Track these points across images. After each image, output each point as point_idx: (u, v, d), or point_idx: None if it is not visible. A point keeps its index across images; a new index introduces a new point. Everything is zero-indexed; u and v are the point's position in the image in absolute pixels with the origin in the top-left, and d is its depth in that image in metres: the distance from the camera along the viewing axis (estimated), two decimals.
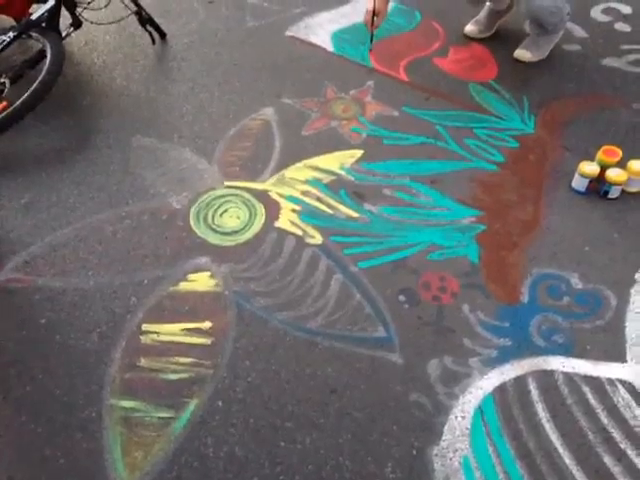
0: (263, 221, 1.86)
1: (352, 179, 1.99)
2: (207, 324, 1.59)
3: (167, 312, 1.63)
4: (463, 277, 1.69)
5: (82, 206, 1.93)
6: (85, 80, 2.45)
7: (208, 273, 1.72)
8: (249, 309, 1.62)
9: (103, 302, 1.66)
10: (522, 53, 2.51)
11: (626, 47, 2.57)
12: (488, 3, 2.59)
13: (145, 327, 1.59)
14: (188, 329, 1.58)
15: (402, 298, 1.64)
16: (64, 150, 2.15)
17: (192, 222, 1.86)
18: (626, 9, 2.83)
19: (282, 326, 1.58)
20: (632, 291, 1.63)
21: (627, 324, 1.56)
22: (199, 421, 1.40)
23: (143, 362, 1.52)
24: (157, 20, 2.67)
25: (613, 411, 1.38)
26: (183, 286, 1.69)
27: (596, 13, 2.79)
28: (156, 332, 1.57)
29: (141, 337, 1.57)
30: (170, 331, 1.58)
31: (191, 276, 1.71)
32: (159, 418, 1.41)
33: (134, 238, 1.82)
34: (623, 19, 2.76)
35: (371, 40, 2.50)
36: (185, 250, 1.78)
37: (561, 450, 1.32)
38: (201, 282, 1.69)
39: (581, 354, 1.50)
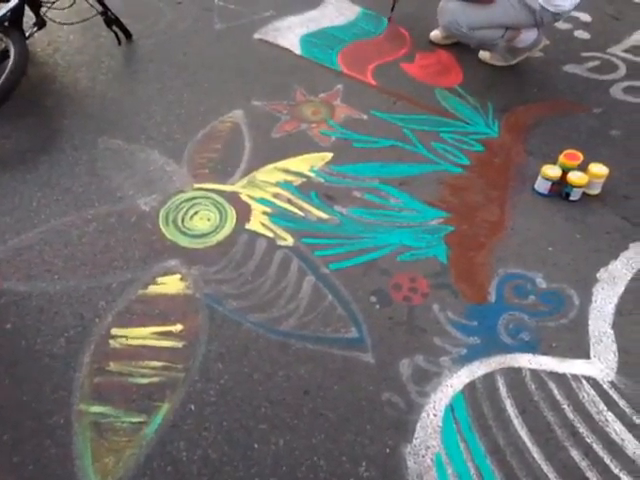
0: (234, 223, 1.85)
1: (322, 181, 2.01)
2: (178, 327, 1.57)
3: (137, 316, 1.60)
4: (433, 277, 1.72)
5: (47, 209, 1.89)
6: (49, 81, 2.40)
7: (178, 276, 1.70)
8: (221, 311, 1.61)
9: (70, 306, 1.62)
10: (484, 54, 2.59)
11: (586, 54, 2.67)
12: None
13: (114, 331, 1.56)
14: (159, 332, 1.56)
15: (374, 299, 1.66)
16: (28, 151, 2.10)
17: (161, 225, 1.84)
18: (585, 17, 2.93)
19: (255, 328, 1.58)
20: (594, 290, 1.69)
21: (590, 322, 1.61)
22: (171, 425, 1.38)
23: (112, 366, 1.50)
24: (123, 20, 2.63)
25: (579, 407, 1.42)
26: (153, 289, 1.66)
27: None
28: (125, 336, 1.55)
29: (110, 341, 1.54)
30: (140, 335, 1.56)
31: (161, 279, 1.69)
32: (130, 423, 1.39)
33: (101, 241, 1.79)
34: (583, 27, 2.86)
35: (392, 8, 2.58)
36: (154, 253, 1.76)
37: (530, 445, 1.35)
38: (171, 285, 1.68)
39: (547, 351, 1.54)
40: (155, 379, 1.47)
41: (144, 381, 1.47)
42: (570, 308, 1.65)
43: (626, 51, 2.69)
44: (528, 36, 2.45)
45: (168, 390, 1.45)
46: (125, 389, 1.45)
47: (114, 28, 2.50)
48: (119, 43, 2.54)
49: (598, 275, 1.73)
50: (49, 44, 2.59)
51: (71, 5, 2.35)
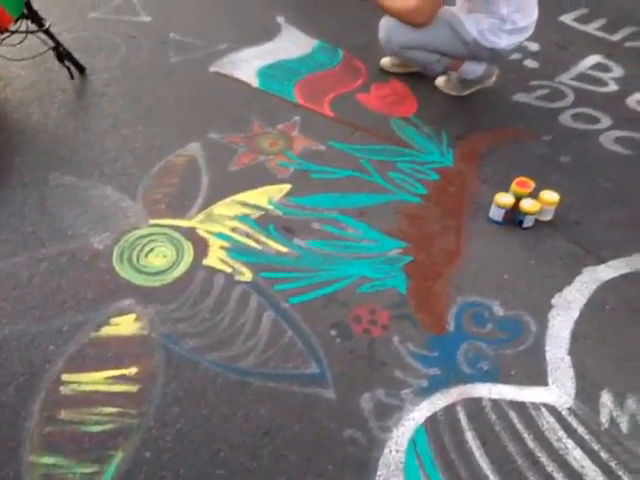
0: (191, 259, 1.82)
1: (280, 214, 2.00)
2: (133, 370, 1.53)
3: (89, 360, 1.55)
4: (392, 308, 1.72)
5: None
6: (0, 117, 2.35)
7: (133, 316, 1.65)
8: (178, 352, 1.57)
9: (19, 352, 1.56)
10: (439, 81, 2.66)
11: (535, 83, 2.75)
12: None
13: (65, 377, 1.50)
14: (112, 377, 1.51)
15: (334, 332, 1.65)
16: None
17: (115, 263, 1.80)
18: (534, 46, 3.03)
19: (213, 368, 1.54)
20: (549, 316, 1.72)
21: (547, 348, 1.63)
22: (125, 475, 1.33)
23: (64, 414, 1.44)
24: (76, 55, 2.60)
25: (539, 435, 1.43)
26: (106, 331, 1.62)
27: None
28: (77, 382, 1.49)
29: (61, 388, 1.48)
30: (92, 380, 1.50)
31: (114, 320, 1.64)
32: (83, 474, 1.33)
33: (52, 282, 1.73)
34: (532, 56, 2.96)
35: None
36: (108, 293, 1.71)
37: (492, 477, 1.35)
38: (125, 326, 1.63)
39: (506, 380, 1.55)
40: (108, 426, 1.41)
41: (97, 429, 1.41)
42: (527, 335, 1.66)
43: (574, 79, 2.79)
44: (474, 68, 2.51)
45: (122, 437, 1.39)
46: (77, 438, 1.40)
47: (66, 63, 2.46)
48: (72, 78, 2.50)
49: (553, 301, 1.76)
50: (0, 79, 2.53)
51: (21, 42, 2.30)
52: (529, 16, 2.37)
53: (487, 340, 1.65)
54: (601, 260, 1.88)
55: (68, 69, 2.48)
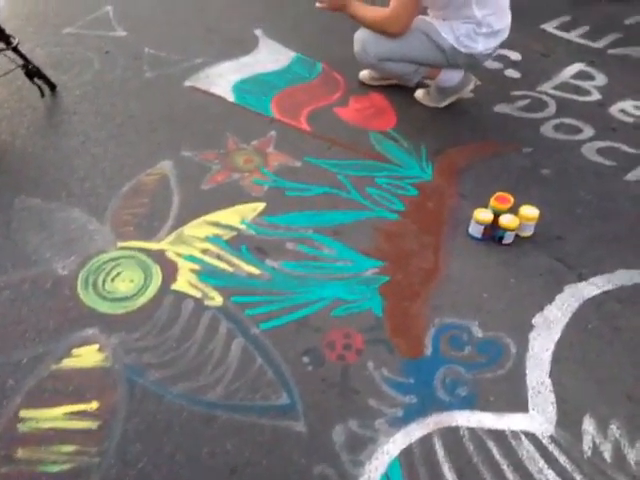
0: (159, 284, 1.76)
1: (253, 234, 1.94)
2: (94, 405, 1.45)
3: (48, 394, 1.48)
4: (367, 332, 1.66)
5: None
6: None
7: (96, 346, 1.58)
8: (142, 384, 1.50)
9: None
10: (418, 93, 2.62)
11: (516, 93, 2.71)
12: None
13: (23, 413, 1.43)
14: (72, 412, 1.44)
15: (306, 360, 1.58)
16: None
17: (80, 289, 1.73)
18: (515, 55, 3.00)
19: (178, 401, 1.47)
20: (530, 336, 1.66)
21: (527, 371, 1.57)
22: None
23: (21, 454, 1.37)
24: (48, 71, 2.54)
25: (518, 466, 1.36)
26: (67, 363, 1.54)
27: (487, 61, 2.92)
28: (35, 418, 1.42)
29: (19, 425, 1.41)
30: (51, 416, 1.43)
31: (76, 351, 1.57)
32: None
33: (12, 312, 1.66)
34: (513, 66, 2.92)
35: None
36: (70, 322, 1.64)
37: None
38: (88, 357, 1.56)
39: (485, 406, 1.48)
40: (67, 466, 1.34)
41: (55, 469, 1.34)
42: (507, 358, 1.61)
43: (556, 88, 2.76)
44: (450, 75, 2.47)
45: (82, 478, 1.32)
46: (34, 478, 1.32)
47: (36, 81, 2.40)
48: (42, 95, 2.44)
49: (534, 321, 1.70)
50: None
51: None
52: (503, 19, 2.34)
53: (465, 364, 1.58)
54: (583, 277, 1.83)
55: (38, 87, 2.42)
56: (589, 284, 1.81)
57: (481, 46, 2.33)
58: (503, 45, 2.99)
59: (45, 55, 2.73)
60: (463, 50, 2.32)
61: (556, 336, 1.66)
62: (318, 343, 1.62)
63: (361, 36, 2.42)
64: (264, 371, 1.54)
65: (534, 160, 2.31)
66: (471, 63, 2.42)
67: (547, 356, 1.61)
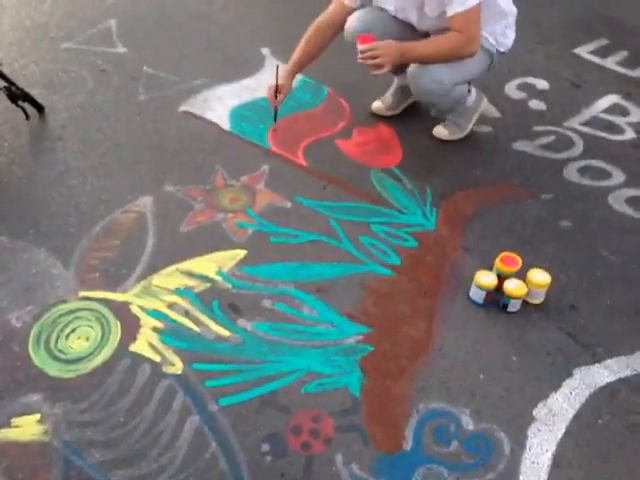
0: (116, 344, 1.59)
1: (229, 287, 1.76)
2: None
3: None
4: (340, 416, 1.46)
5: None
6: None
7: (37, 416, 1.43)
8: (79, 467, 1.34)
9: None
10: (439, 130, 2.37)
11: (539, 128, 2.46)
12: (396, 79, 2.45)
13: None
14: None
15: (266, 447, 1.39)
16: None
17: (31, 347, 1.58)
18: (542, 84, 2.74)
19: None
20: (529, 432, 1.43)
21: (521, 477, 1.35)
22: None
23: None
24: (39, 90, 2.43)
25: None
26: (4, 434, 1.40)
27: (511, 89, 2.69)
28: None
29: None
30: None
31: (16, 420, 1.42)
32: None
33: None
34: (538, 96, 2.66)
35: (275, 118, 2.31)
36: (15, 385, 1.49)
37: None
38: (26, 429, 1.41)
39: None
40: None
41: None
42: (499, 458, 1.39)
43: (585, 124, 2.49)
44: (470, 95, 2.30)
45: None
46: None
47: (20, 103, 2.27)
48: (27, 118, 2.31)
49: (535, 412, 1.48)
50: None
51: None
52: None
53: (449, 464, 1.37)
54: (597, 358, 1.60)
55: (23, 109, 2.29)
56: (603, 367, 1.57)
57: (510, 40, 2.17)
58: (529, 72, 2.79)
59: (39, 72, 2.61)
60: (502, 50, 2.16)
61: (559, 433, 1.43)
62: (282, 427, 1.43)
63: (424, 69, 2.06)
64: (216, 460, 1.36)
65: (553, 209, 2.07)
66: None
67: (546, 459, 1.39)
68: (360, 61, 1.99)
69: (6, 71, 2.28)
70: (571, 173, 2.23)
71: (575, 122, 2.50)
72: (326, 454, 1.38)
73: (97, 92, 2.53)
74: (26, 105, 2.31)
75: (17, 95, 2.26)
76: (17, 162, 2.16)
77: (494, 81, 2.60)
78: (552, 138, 2.41)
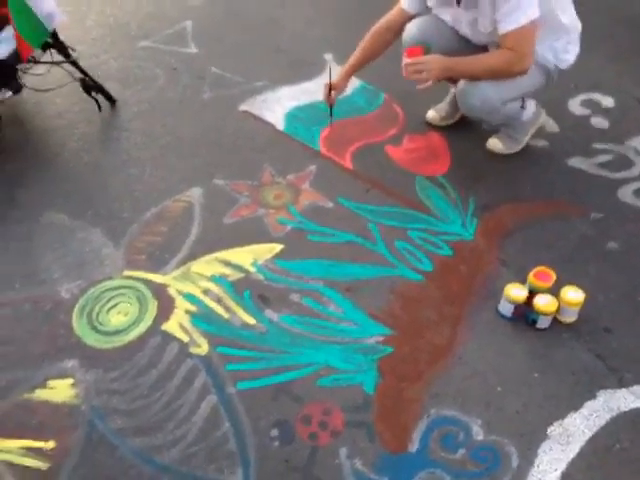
0: (151, 321, 1.70)
1: (262, 278, 1.83)
2: (50, 444, 1.42)
3: (13, 424, 1.47)
4: (351, 412, 1.49)
5: None
6: (22, 143, 2.37)
7: (71, 380, 1.56)
8: (101, 431, 1.45)
9: None
10: (494, 143, 2.33)
11: (598, 146, 2.37)
12: (452, 89, 2.45)
13: None
14: (27, 448, 1.42)
15: (275, 433, 1.45)
16: None
17: (74, 317, 1.72)
18: (607, 101, 2.63)
19: (130, 456, 1.40)
20: (540, 450, 1.40)
21: None
22: None
23: None
24: (114, 85, 2.61)
25: None
26: (39, 394, 1.53)
27: (574, 105, 2.60)
28: None
29: None
30: (8, 448, 1.42)
31: (51, 382, 1.56)
32: None
33: (6, 330, 1.68)
34: (602, 113, 2.57)
35: (330, 115, 2.37)
36: (56, 350, 1.63)
37: None
38: (60, 391, 1.53)
39: None
40: None
41: None
42: (505, 471, 1.37)
43: None
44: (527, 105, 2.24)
45: None
46: None
47: (94, 94, 2.46)
48: (99, 109, 2.50)
49: (549, 430, 1.44)
50: (36, 104, 2.58)
51: (47, 71, 2.33)
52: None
53: (453, 470, 1.37)
54: (624, 383, 1.54)
55: (95, 101, 2.48)
56: (629, 392, 1.51)
57: (572, 56, 2.10)
58: (596, 88, 2.69)
59: (116, 68, 2.80)
60: (563, 66, 2.10)
61: (572, 454, 1.40)
62: (292, 415, 1.48)
63: (478, 86, 2.03)
64: (226, 439, 1.43)
65: (601, 229, 1.99)
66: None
67: (554, 477, 1.35)
68: (404, 74, 2.01)
69: (85, 64, 2.47)
70: (626, 194, 2.14)
71: (637, 142, 2.39)
72: (331, 446, 1.42)
73: (166, 89, 2.68)
74: (99, 97, 2.50)
75: (91, 86, 2.44)
76: (85, 149, 2.35)
77: (557, 96, 2.53)
78: (610, 157, 2.31)
